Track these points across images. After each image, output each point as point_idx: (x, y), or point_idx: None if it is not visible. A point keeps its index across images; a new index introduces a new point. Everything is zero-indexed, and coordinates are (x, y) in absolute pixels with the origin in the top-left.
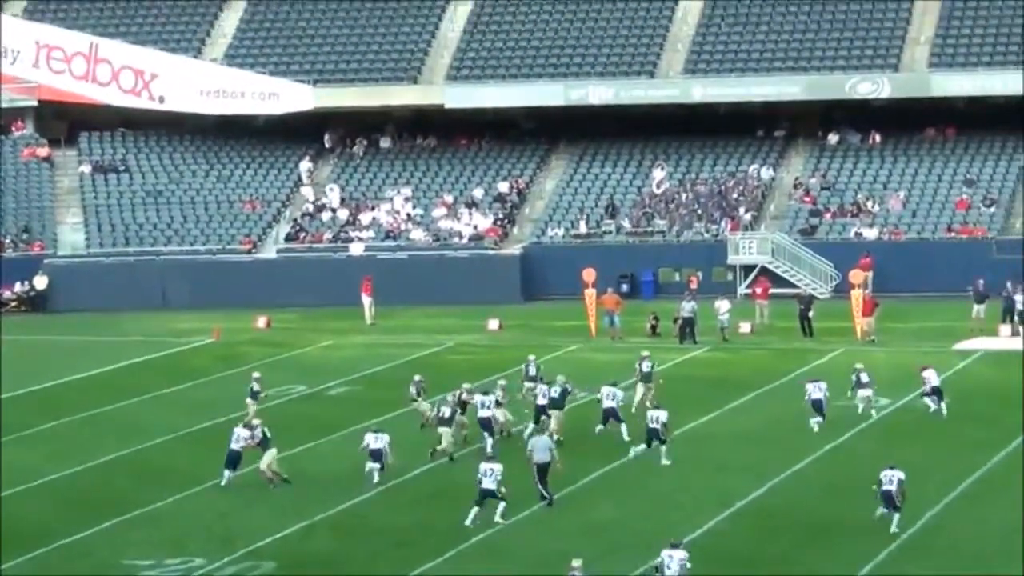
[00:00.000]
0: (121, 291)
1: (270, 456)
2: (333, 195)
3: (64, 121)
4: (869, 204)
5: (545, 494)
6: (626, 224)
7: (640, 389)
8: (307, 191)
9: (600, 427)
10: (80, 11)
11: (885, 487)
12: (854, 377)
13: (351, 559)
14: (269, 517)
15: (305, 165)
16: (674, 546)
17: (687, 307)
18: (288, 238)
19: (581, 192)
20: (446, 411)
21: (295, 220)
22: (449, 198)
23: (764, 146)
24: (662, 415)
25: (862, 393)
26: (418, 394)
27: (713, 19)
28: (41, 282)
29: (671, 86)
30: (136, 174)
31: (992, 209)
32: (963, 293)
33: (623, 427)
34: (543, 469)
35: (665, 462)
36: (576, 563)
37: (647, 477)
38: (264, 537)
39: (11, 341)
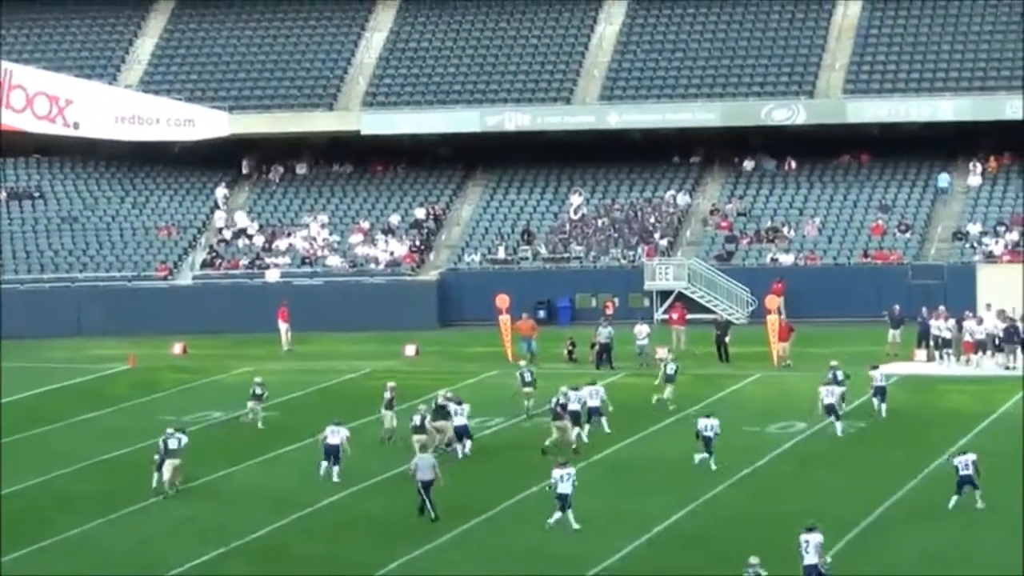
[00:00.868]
0: (36, 318)
1: None
2: (240, 218)
3: None
4: (785, 230)
5: (432, 512)
6: (543, 250)
7: (668, 388)
8: (223, 218)
9: (587, 427)
10: None
11: (962, 472)
12: (830, 375)
13: None
14: (186, 544)
15: (221, 192)
16: (809, 530)
17: (604, 332)
18: (204, 264)
19: (498, 218)
20: (416, 419)
21: (211, 246)
22: (365, 224)
23: (680, 172)
24: (714, 423)
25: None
26: (389, 406)
27: (629, 46)
28: None
29: (587, 112)
30: (51, 200)
31: (907, 235)
32: (879, 318)
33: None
34: (427, 487)
35: (713, 467)
36: (754, 560)
37: None
38: (181, 563)
39: None
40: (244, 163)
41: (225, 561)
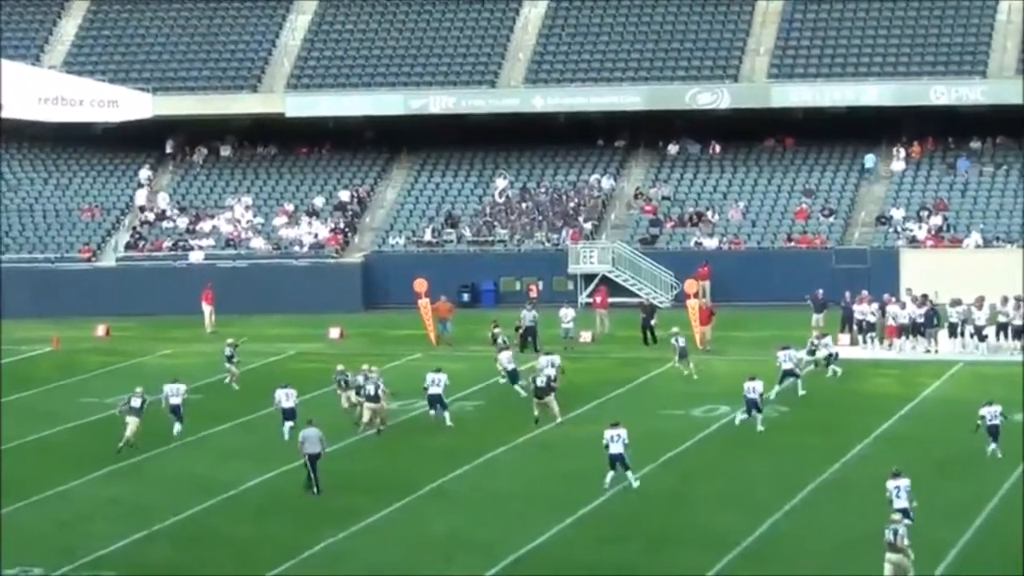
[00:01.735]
0: None
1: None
2: (159, 199)
3: None
4: (709, 214)
5: (317, 485)
6: (467, 233)
7: (688, 363)
8: (146, 199)
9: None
10: None
11: (991, 422)
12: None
13: (191, 568)
14: (110, 526)
15: (144, 173)
16: (896, 475)
17: (528, 316)
18: (128, 246)
19: (422, 201)
20: (371, 388)
21: (134, 228)
22: (290, 207)
23: (605, 156)
24: (758, 385)
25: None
26: (343, 385)
27: (554, 29)
28: None
29: (512, 96)
30: None
31: (831, 219)
32: (803, 302)
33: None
34: (314, 460)
35: (760, 428)
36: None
37: (489, 486)
38: (104, 546)
39: None
40: (168, 144)
41: (149, 544)
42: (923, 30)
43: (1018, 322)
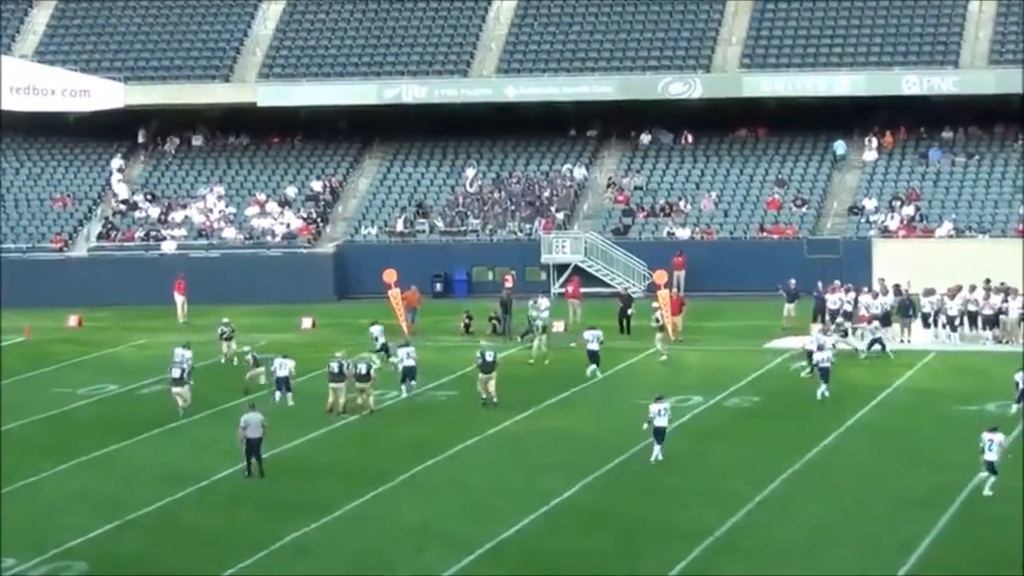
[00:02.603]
0: None
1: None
2: (120, 188)
3: None
4: (681, 204)
5: (260, 469)
6: (440, 223)
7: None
8: (119, 189)
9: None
10: None
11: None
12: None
13: (163, 559)
14: (81, 518)
15: (116, 163)
16: (993, 430)
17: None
18: (100, 236)
19: (395, 191)
20: (334, 365)
21: (107, 218)
22: (262, 197)
23: (577, 145)
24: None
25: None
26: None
27: (526, 19)
28: None
29: (484, 85)
30: None
31: (803, 209)
32: (775, 293)
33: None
34: (256, 444)
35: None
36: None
37: (461, 476)
38: (76, 537)
39: None
40: (140, 134)
41: (120, 535)
42: (895, 20)
43: (988, 312)
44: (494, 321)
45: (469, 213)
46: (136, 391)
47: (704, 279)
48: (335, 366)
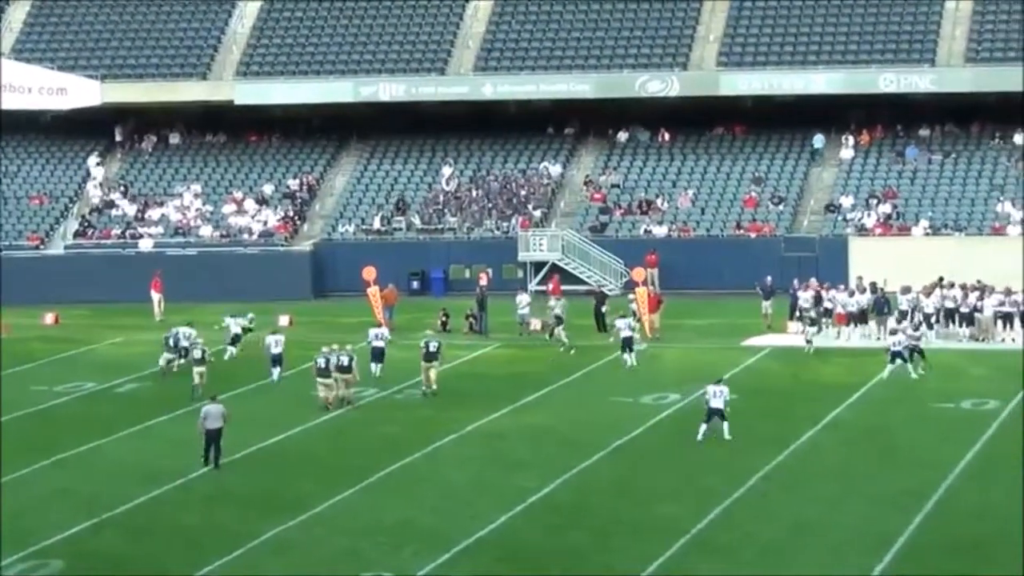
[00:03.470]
0: None
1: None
2: (97, 186)
3: None
4: (659, 202)
5: (216, 460)
6: (417, 221)
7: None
8: (95, 187)
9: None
10: None
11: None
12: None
13: (140, 558)
14: (58, 515)
15: (93, 161)
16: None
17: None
18: (76, 234)
19: (372, 189)
20: (321, 361)
21: (83, 216)
22: (239, 194)
23: (555, 143)
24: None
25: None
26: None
27: (504, 17)
28: None
29: (462, 83)
30: None
31: (780, 207)
32: (752, 290)
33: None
34: (216, 435)
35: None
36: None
37: (438, 474)
38: (52, 535)
39: None
40: (117, 132)
41: (97, 532)
42: (872, 18)
43: (965, 310)
44: (471, 319)
45: (446, 211)
46: (113, 389)
47: (681, 277)
48: (322, 361)
